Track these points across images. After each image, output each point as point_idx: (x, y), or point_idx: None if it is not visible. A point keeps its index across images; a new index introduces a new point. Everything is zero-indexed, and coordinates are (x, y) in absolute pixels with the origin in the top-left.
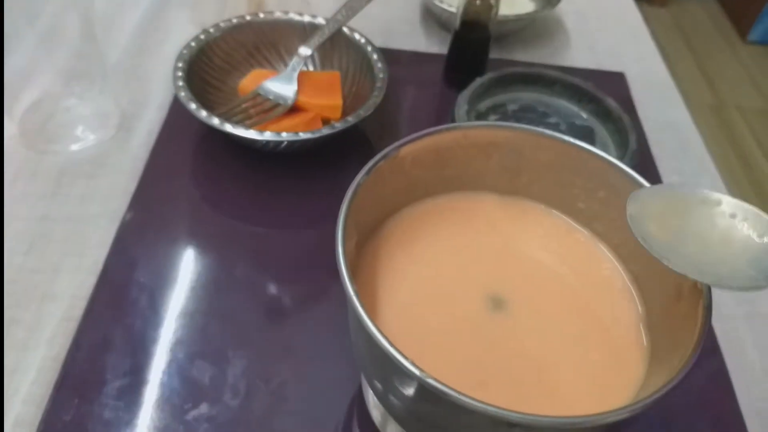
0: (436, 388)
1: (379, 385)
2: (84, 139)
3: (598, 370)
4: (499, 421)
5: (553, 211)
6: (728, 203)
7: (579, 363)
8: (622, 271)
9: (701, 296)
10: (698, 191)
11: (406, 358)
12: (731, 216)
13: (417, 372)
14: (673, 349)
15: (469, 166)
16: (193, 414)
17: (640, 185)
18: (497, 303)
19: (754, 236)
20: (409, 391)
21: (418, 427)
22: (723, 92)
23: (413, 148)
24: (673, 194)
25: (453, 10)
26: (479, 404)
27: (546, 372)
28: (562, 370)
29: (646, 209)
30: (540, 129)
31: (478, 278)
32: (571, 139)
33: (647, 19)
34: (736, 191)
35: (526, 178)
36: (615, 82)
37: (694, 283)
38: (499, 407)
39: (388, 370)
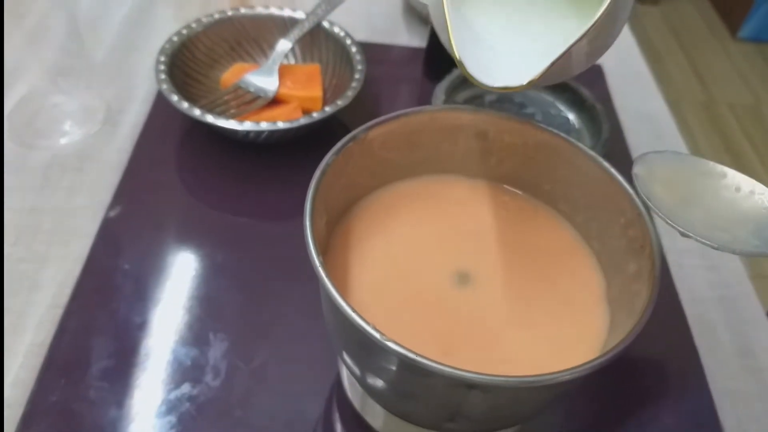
0: (394, 351)
1: (348, 358)
2: (71, 134)
3: (561, 341)
4: (457, 383)
5: (520, 192)
6: (733, 176)
7: (542, 335)
8: (586, 249)
9: (653, 266)
10: (703, 162)
11: (367, 322)
12: (736, 189)
13: (377, 335)
14: (629, 320)
15: (438, 149)
16: (175, 394)
17: (600, 165)
18: (464, 279)
19: (760, 208)
20: (373, 358)
21: (387, 398)
22: (714, 89)
23: (382, 131)
24: (679, 162)
25: None
26: (436, 365)
27: (509, 343)
28: (526, 341)
29: (653, 172)
30: (502, 112)
31: (446, 256)
32: (531, 121)
33: (639, 17)
34: None
35: (494, 160)
36: (592, 74)
37: (651, 260)
38: (455, 368)
39: (352, 338)
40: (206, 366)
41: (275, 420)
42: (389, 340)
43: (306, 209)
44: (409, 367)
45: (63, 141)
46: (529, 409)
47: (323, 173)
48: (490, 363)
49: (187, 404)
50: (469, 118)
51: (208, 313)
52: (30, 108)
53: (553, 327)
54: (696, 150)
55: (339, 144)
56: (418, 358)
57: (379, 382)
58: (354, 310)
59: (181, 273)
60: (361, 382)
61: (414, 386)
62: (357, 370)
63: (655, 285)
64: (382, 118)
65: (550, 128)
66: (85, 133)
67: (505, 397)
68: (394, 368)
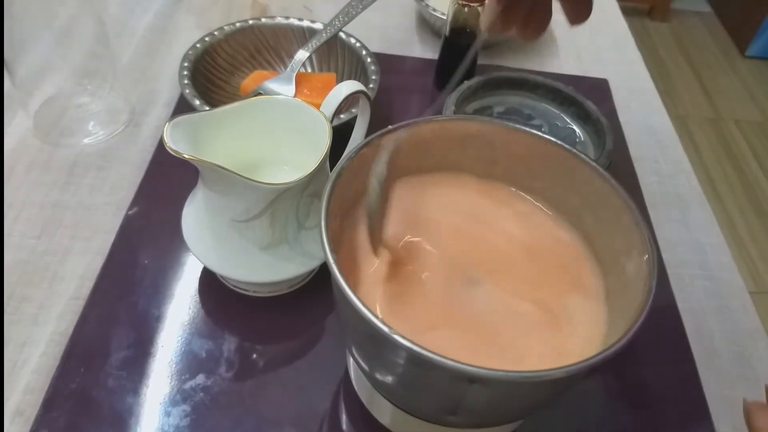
0: (400, 343)
1: (356, 351)
2: (95, 134)
3: (563, 339)
4: (459, 376)
5: (525, 195)
6: None
7: (545, 336)
8: (587, 250)
9: (650, 272)
10: None
11: (375, 316)
12: None
13: (385, 329)
14: (625, 323)
15: (447, 157)
16: (190, 384)
17: (602, 175)
18: (469, 274)
19: None
20: (380, 350)
21: (393, 390)
22: (721, 106)
23: (395, 138)
24: None
25: (446, 17)
26: (440, 359)
27: (512, 339)
28: (528, 338)
29: None
30: (510, 123)
31: (453, 251)
32: (537, 132)
33: (649, 34)
34: (731, 200)
35: (500, 167)
36: (598, 88)
37: (648, 266)
38: (457, 361)
39: (362, 332)
40: (220, 358)
41: (285, 412)
42: (396, 333)
43: (322, 210)
44: (413, 360)
45: (87, 140)
46: (527, 404)
47: (338, 176)
48: (493, 358)
49: (201, 394)
50: (478, 128)
51: (223, 308)
52: (56, 108)
53: (556, 329)
54: (702, 165)
55: (354, 149)
56: (423, 351)
57: (385, 375)
58: (364, 305)
59: (198, 269)
60: (368, 374)
61: (418, 379)
62: (364, 363)
63: (650, 290)
64: (395, 125)
65: (555, 140)
66: (108, 134)
67: (504, 391)
68: (399, 360)
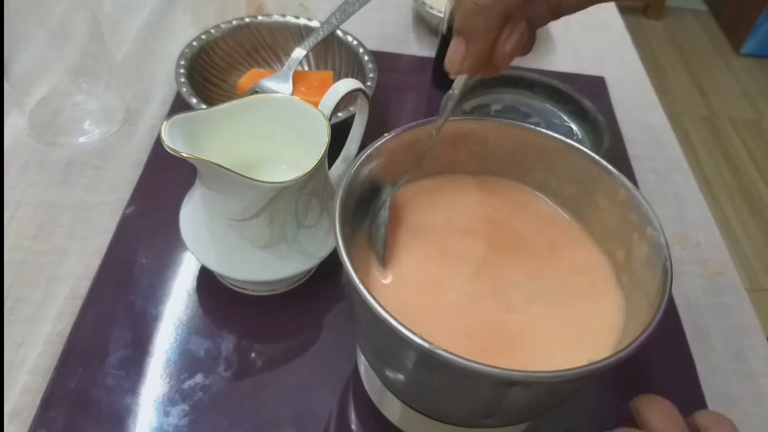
0: (446, 358)
1: (378, 361)
2: (90, 133)
3: (579, 331)
4: (502, 382)
5: (524, 186)
6: None
7: (560, 326)
8: (590, 237)
9: (656, 246)
10: None
11: (414, 333)
12: None
13: (426, 345)
14: (644, 307)
15: (441, 158)
16: (189, 383)
17: (592, 159)
18: (479, 272)
19: None
20: (412, 362)
21: (415, 396)
22: (716, 103)
23: (389, 147)
24: None
25: (443, 15)
26: (485, 368)
27: (526, 335)
28: (542, 335)
29: None
30: (501, 119)
31: (460, 250)
32: (529, 126)
33: (644, 33)
34: (725, 197)
35: (494, 164)
36: (595, 86)
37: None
38: (503, 368)
39: (392, 346)
40: (219, 357)
41: (284, 411)
42: (439, 349)
43: (336, 228)
44: (455, 371)
45: (83, 139)
46: (558, 400)
47: (345, 196)
48: (513, 357)
49: (200, 393)
50: (470, 127)
51: (221, 307)
52: (52, 107)
53: (571, 319)
54: (696, 163)
55: (355, 164)
56: (470, 363)
57: (410, 383)
58: (399, 322)
59: (196, 268)
60: (387, 381)
61: (451, 386)
62: (386, 373)
63: (666, 268)
64: (390, 134)
65: (547, 132)
66: (104, 132)
67: (544, 391)
68: (433, 371)
